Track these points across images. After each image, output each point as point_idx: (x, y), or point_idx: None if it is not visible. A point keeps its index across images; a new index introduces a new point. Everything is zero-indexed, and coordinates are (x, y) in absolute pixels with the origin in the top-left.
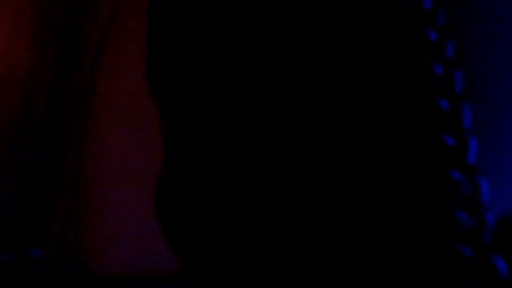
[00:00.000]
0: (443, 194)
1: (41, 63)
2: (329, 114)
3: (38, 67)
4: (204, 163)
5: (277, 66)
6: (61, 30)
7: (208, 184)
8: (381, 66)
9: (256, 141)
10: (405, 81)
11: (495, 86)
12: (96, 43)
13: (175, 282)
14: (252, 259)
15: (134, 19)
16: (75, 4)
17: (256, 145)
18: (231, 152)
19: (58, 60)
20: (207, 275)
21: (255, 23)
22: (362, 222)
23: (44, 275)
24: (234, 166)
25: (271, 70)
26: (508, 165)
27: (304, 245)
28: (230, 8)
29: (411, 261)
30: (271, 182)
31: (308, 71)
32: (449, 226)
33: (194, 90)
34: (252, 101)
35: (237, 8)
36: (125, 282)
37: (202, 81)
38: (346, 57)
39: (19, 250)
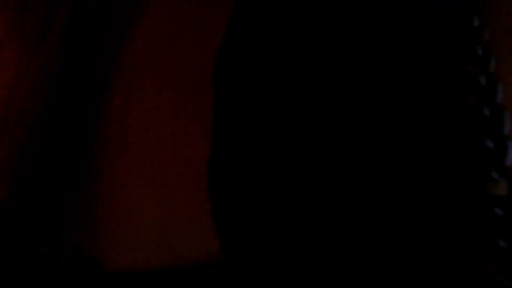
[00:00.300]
0: (482, 194)
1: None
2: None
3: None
4: (250, 147)
5: (306, 68)
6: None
7: (255, 166)
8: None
9: (292, 131)
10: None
11: None
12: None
13: (189, 276)
14: (295, 248)
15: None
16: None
17: (293, 134)
18: (273, 138)
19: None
20: (250, 259)
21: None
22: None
23: (54, 273)
24: (276, 151)
25: (301, 72)
26: None
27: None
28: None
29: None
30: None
31: (325, 76)
32: (487, 223)
33: (251, 83)
34: (289, 97)
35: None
36: (137, 277)
37: (258, 78)
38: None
39: (30, 248)
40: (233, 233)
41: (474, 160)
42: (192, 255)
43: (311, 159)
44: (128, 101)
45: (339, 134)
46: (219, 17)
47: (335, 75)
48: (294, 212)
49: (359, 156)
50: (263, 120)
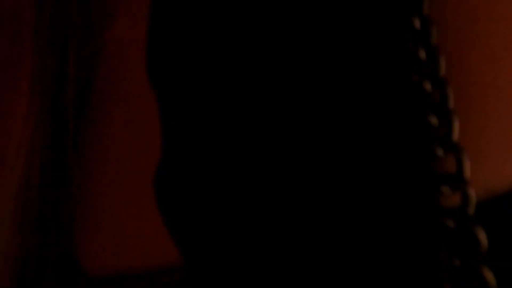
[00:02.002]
0: (427, 171)
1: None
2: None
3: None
4: (202, 153)
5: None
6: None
7: (207, 172)
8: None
9: (250, 133)
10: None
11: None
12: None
13: (171, 277)
14: (252, 251)
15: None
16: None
17: (250, 136)
18: (228, 144)
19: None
20: (207, 266)
21: (253, 22)
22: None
23: (38, 274)
24: (231, 157)
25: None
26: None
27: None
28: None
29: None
30: (267, 168)
31: (303, 66)
32: (434, 201)
33: (194, 82)
34: (247, 95)
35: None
36: (119, 280)
37: (202, 74)
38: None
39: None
40: (185, 239)
41: (418, 137)
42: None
43: (261, 165)
44: (108, 99)
45: (282, 141)
46: None
47: (270, 71)
48: (245, 219)
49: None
50: (205, 121)
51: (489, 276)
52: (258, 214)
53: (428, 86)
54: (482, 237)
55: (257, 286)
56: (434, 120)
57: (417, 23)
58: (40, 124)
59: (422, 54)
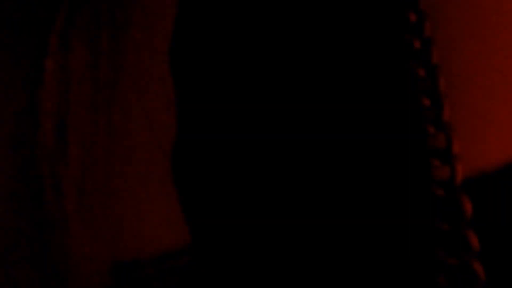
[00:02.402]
0: (420, 146)
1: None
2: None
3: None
4: (214, 133)
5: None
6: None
7: (218, 150)
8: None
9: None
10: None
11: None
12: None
13: (177, 261)
14: (261, 231)
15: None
16: None
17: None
18: (237, 126)
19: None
20: (216, 245)
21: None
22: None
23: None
24: (240, 137)
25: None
26: (479, 125)
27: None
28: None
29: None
30: (275, 150)
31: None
32: (425, 172)
33: (210, 67)
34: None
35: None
36: (127, 265)
37: (219, 62)
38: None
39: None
40: (201, 220)
41: (412, 117)
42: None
43: (273, 146)
44: (120, 91)
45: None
46: None
47: (287, 63)
48: (262, 199)
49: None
50: (221, 102)
51: (473, 238)
52: (267, 195)
53: (422, 72)
54: (468, 204)
55: (262, 268)
56: (426, 102)
57: (413, 17)
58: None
59: (417, 44)
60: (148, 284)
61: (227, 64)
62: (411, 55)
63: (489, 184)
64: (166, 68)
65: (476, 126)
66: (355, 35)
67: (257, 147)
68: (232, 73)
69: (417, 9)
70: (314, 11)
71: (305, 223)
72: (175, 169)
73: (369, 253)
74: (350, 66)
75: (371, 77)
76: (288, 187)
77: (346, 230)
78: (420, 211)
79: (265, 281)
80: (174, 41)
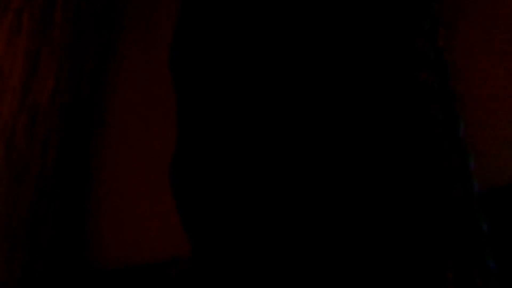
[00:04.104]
0: (434, 163)
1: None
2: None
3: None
4: (217, 142)
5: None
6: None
7: (221, 161)
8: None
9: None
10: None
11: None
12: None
13: (178, 268)
14: (262, 242)
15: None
16: None
17: (262, 127)
18: (241, 134)
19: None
20: (216, 257)
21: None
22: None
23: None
24: (245, 148)
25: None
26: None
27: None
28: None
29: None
30: (278, 161)
31: (310, 65)
32: (440, 189)
33: (211, 76)
34: (260, 90)
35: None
36: (127, 272)
37: (219, 70)
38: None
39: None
40: (199, 229)
41: (426, 133)
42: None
43: (275, 150)
44: (119, 97)
45: (302, 130)
46: None
47: (290, 62)
48: (260, 205)
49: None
50: (223, 114)
51: (491, 255)
52: (270, 204)
53: (436, 84)
54: (484, 220)
55: (263, 277)
56: (440, 117)
57: (426, 25)
58: (55, 119)
59: (431, 54)
60: None
61: (230, 67)
62: (424, 66)
63: (503, 198)
64: (166, 70)
65: (489, 141)
66: (364, 42)
67: (260, 156)
68: (236, 76)
69: (432, 16)
70: (323, 17)
71: (307, 239)
72: (173, 175)
73: (377, 250)
74: (361, 75)
75: (380, 87)
76: (290, 196)
77: (357, 234)
78: (434, 229)
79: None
80: (176, 42)
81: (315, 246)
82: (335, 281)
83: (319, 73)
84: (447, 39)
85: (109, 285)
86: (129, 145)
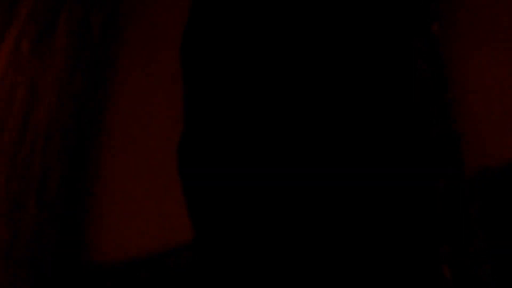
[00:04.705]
0: (427, 150)
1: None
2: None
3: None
4: (223, 125)
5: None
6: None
7: (227, 147)
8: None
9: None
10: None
11: None
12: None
13: (178, 258)
14: (266, 222)
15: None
16: None
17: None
18: (248, 119)
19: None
20: (219, 242)
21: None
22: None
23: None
24: (252, 134)
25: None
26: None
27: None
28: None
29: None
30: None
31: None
32: (431, 175)
33: (221, 68)
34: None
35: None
36: (127, 264)
37: (229, 62)
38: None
39: None
40: (205, 213)
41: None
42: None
43: (281, 145)
44: (119, 91)
45: (309, 120)
46: None
47: (298, 57)
48: (265, 197)
49: (332, 145)
50: (231, 103)
51: (479, 235)
52: (276, 190)
53: (428, 69)
54: (475, 202)
55: (265, 262)
56: (433, 98)
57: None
58: (59, 119)
59: (426, 48)
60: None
61: (240, 62)
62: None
63: (494, 181)
64: (176, 64)
65: (482, 121)
66: (363, 36)
67: (266, 144)
68: (246, 71)
69: (429, 34)
70: (326, 8)
71: (307, 228)
72: (181, 161)
73: (373, 245)
74: (359, 71)
75: (380, 91)
76: (296, 182)
77: (351, 226)
78: (425, 206)
79: (268, 276)
80: (187, 37)
81: (315, 231)
82: (331, 274)
83: (322, 64)
84: (442, 33)
85: (108, 279)
86: (128, 141)
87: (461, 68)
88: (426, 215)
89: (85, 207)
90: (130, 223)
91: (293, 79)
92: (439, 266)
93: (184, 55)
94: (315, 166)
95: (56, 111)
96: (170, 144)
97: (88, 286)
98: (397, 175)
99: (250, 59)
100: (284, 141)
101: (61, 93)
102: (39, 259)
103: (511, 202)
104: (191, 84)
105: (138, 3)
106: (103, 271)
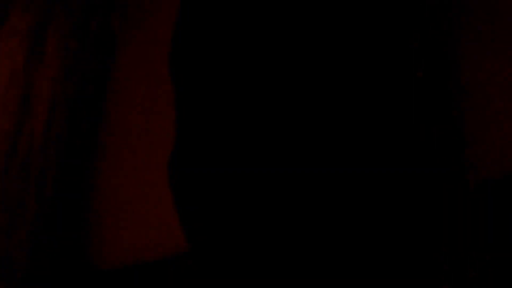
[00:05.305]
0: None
1: None
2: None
3: None
4: (214, 140)
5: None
6: None
7: (219, 157)
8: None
9: (258, 117)
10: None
11: None
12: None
13: (177, 265)
14: (258, 239)
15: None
16: None
17: (259, 120)
18: (239, 129)
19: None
20: (214, 252)
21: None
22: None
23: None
24: (243, 142)
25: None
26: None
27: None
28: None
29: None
30: (275, 151)
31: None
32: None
33: (210, 73)
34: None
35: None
36: (127, 270)
37: (218, 67)
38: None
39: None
40: (196, 225)
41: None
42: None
43: (273, 148)
44: (120, 98)
45: (300, 122)
46: None
47: (289, 60)
48: (257, 202)
49: (323, 145)
50: (222, 109)
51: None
52: (266, 203)
53: (430, 76)
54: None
55: (259, 274)
56: (437, 108)
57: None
58: (56, 120)
59: (426, 49)
60: None
61: (230, 68)
62: (417, 60)
63: (497, 190)
64: (165, 71)
65: (484, 133)
66: (367, 50)
67: (260, 156)
68: (236, 78)
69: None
70: (322, 21)
71: (302, 238)
72: (172, 172)
73: (374, 242)
74: (358, 70)
75: (381, 91)
76: (287, 195)
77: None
78: (429, 221)
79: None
80: (175, 43)
81: (310, 237)
82: (330, 274)
83: (318, 80)
84: (445, 35)
85: (109, 285)
86: (128, 146)
87: (466, 74)
88: (426, 215)
89: (85, 212)
90: (129, 229)
91: (284, 83)
92: (439, 267)
93: (172, 61)
94: (310, 171)
95: (53, 113)
96: (170, 150)
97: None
98: (396, 175)
99: (239, 63)
100: (278, 146)
101: (56, 95)
102: (39, 260)
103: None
104: (180, 91)
105: (133, 7)
106: (102, 276)
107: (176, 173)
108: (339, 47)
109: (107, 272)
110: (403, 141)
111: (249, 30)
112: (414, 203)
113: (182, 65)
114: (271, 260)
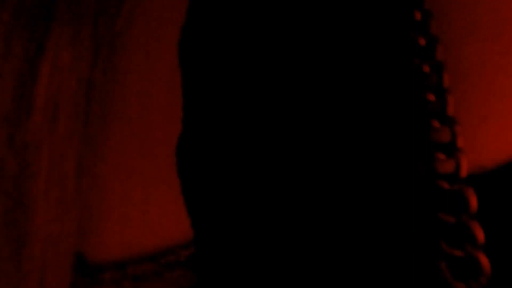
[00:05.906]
0: (425, 140)
1: None
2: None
3: None
4: (222, 125)
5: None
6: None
7: (227, 143)
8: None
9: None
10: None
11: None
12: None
13: (177, 255)
14: (265, 225)
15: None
16: None
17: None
18: (244, 115)
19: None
20: (218, 240)
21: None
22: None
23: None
24: (250, 132)
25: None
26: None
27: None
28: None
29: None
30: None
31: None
32: (430, 166)
33: (219, 58)
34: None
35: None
36: (126, 261)
37: (228, 53)
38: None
39: None
40: (203, 212)
41: (417, 111)
42: (177, 236)
43: (280, 144)
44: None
45: (304, 116)
46: None
47: (295, 55)
48: (264, 192)
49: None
50: (230, 98)
51: (479, 230)
52: (274, 190)
53: (427, 68)
54: (472, 196)
55: (265, 261)
56: (431, 97)
57: (418, 15)
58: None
59: (422, 41)
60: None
61: (238, 58)
62: (416, 52)
63: (492, 180)
64: (174, 61)
65: (479, 122)
66: (360, 33)
67: (265, 141)
68: (242, 60)
69: (422, 7)
70: (322, 11)
71: (305, 227)
72: (180, 160)
73: (371, 243)
74: (355, 62)
75: (376, 73)
76: (293, 182)
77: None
78: (424, 203)
79: (267, 275)
80: (185, 33)
81: (311, 231)
82: (329, 270)
83: (317, 65)
84: (438, 28)
85: (107, 276)
86: (129, 138)
87: (459, 66)
88: (423, 210)
89: (85, 205)
90: (130, 220)
91: (290, 78)
92: (437, 263)
93: (181, 51)
94: (313, 163)
95: (52, 114)
96: (170, 142)
97: (88, 283)
98: (392, 170)
99: (248, 55)
100: (283, 140)
101: (58, 96)
102: (42, 258)
103: (507, 203)
104: (189, 81)
105: (137, 4)
106: (103, 268)
107: (184, 157)
108: (343, 45)
109: (106, 264)
110: (400, 138)
111: (257, 22)
112: (411, 200)
113: (192, 50)
114: (273, 254)
